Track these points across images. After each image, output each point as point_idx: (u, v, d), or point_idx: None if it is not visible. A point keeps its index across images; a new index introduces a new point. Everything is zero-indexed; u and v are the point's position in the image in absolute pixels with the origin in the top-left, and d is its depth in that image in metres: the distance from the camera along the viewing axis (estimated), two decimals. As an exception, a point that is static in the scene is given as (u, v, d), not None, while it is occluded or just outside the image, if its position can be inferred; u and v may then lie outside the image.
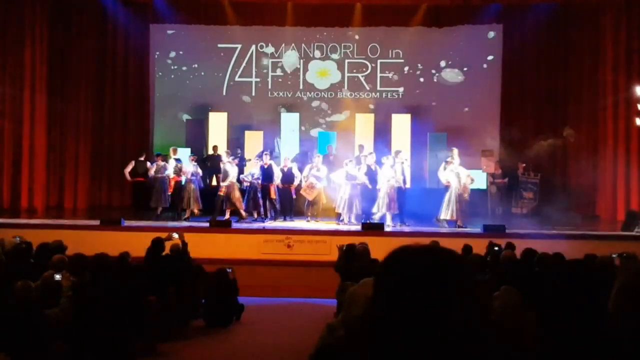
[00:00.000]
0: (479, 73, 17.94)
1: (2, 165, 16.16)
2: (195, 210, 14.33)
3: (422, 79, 18.08)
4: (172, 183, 14.42)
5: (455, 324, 1.39)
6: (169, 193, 14.36)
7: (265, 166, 14.16)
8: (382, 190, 13.54)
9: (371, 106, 18.07)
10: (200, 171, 14.47)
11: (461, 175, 13.53)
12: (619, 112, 15.98)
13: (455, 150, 13.97)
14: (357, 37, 18.13)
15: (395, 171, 13.63)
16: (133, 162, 14.99)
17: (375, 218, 13.59)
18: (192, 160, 14.55)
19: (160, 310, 7.31)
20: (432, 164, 16.13)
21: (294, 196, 14.37)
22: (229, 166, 14.12)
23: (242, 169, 16.24)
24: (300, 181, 14.43)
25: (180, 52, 18.25)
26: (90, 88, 17.69)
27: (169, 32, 18.26)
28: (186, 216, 14.20)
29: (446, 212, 13.44)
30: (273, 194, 14.09)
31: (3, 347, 4.57)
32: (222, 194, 13.95)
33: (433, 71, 18.03)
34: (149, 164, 14.90)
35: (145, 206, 14.57)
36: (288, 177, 14.23)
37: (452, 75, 17.98)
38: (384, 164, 13.69)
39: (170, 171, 14.41)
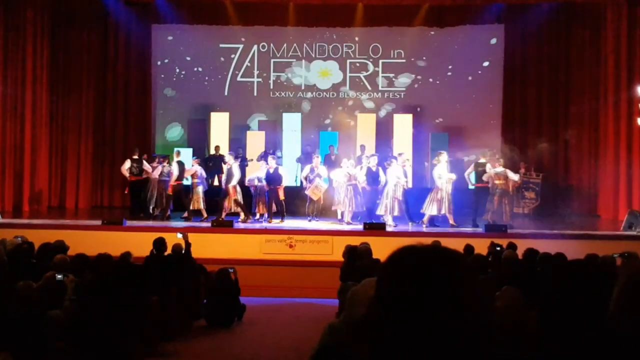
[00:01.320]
0: (481, 73, 17.94)
1: (4, 165, 16.18)
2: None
3: (423, 79, 18.07)
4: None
5: (457, 324, 1.39)
6: (126, 192, 14.76)
7: (228, 167, 14.22)
8: (443, 192, 13.33)
9: (373, 106, 18.08)
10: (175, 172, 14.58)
11: (510, 175, 13.47)
12: (620, 112, 15.96)
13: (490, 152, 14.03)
14: (358, 37, 18.13)
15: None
16: (129, 161, 14.88)
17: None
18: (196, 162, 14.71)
19: (162, 310, 7.31)
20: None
21: (282, 197, 14.04)
22: (175, 166, 14.29)
23: (243, 170, 16.28)
24: (303, 181, 14.45)
25: (182, 52, 18.26)
26: (92, 88, 17.71)
27: (171, 32, 18.28)
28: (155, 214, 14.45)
29: (489, 215, 13.29)
30: (233, 195, 14.04)
31: (4, 347, 4.57)
32: (170, 193, 14.23)
33: (434, 71, 18.02)
34: (145, 163, 14.86)
35: (143, 206, 14.65)
36: (274, 178, 14.10)
37: (453, 75, 17.97)
38: (437, 165, 13.51)
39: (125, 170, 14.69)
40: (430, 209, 13.31)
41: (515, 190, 14.29)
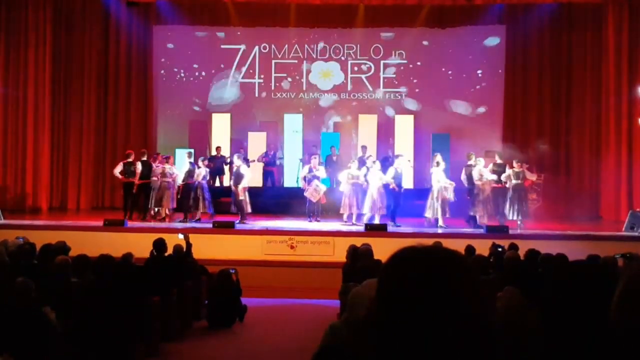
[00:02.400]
0: (482, 73, 17.93)
1: (7, 166, 16.20)
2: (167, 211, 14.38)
3: (425, 80, 18.06)
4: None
5: (457, 325, 1.39)
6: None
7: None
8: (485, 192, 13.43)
9: (374, 107, 18.07)
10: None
11: (528, 175, 13.59)
12: (621, 113, 15.97)
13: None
14: (360, 38, 18.13)
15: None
16: (122, 164, 14.73)
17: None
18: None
19: (163, 311, 7.32)
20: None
21: (241, 197, 13.74)
22: (138, 165, 14.33)
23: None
24: (302, 182, 14.44)
25: (183, 53, 18.26)
26: (94, 89, 17.71)
27: (172, 32, 18.28)
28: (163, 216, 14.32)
29: (513, 214, 13.36)
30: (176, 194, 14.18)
31: (6, 347, 4.56)
32: (135, 191, 14.32)
33: (436, 72, 18.01)
34: (139, 165, 14.69)
35: (135, 208, 14.59)
36: (235, 177, 13.93)
37: (454, 75, 17.95)
38: (477, 166, 13.47)
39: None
40: (477, 211, 13.44)
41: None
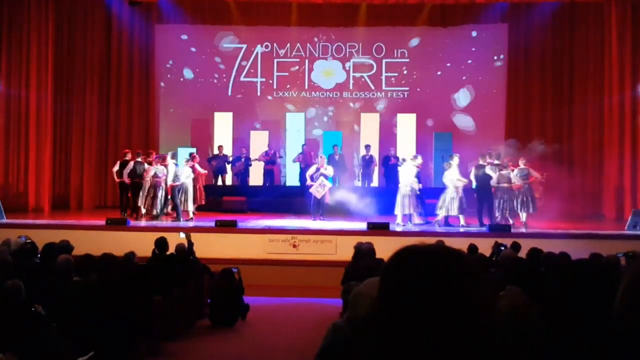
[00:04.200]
0: (484, 72, 17.92)
1: (8, 165, 16.22)
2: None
3: (427, 79, 18.06)
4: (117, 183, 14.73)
5: (460, 324, 1.38)
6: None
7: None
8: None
9: (376, 106, 18.08)
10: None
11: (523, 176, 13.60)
12: (624, 111, 15.95)
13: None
14: (362, 36, 18.13)
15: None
16: (118, 163, 14.69)
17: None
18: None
19: (166, 309, 7.32)
20: (438, 164, 16.11)
21: (169, 195, 13.83)
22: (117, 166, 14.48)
23: (247, 169, 16.29)
24: (308, 180, 14.39)
25: (185, 52, 18.28)
26: (96, 88, 17.75)
27: (174, 32, 18.30)
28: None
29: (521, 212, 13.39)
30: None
31: (7, 347, 4.56)
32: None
33: (437, 70, 18.01)
34: (132, 164, 14.59)
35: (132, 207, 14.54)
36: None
37: (456, 74, 17.94)
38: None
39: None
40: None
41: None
